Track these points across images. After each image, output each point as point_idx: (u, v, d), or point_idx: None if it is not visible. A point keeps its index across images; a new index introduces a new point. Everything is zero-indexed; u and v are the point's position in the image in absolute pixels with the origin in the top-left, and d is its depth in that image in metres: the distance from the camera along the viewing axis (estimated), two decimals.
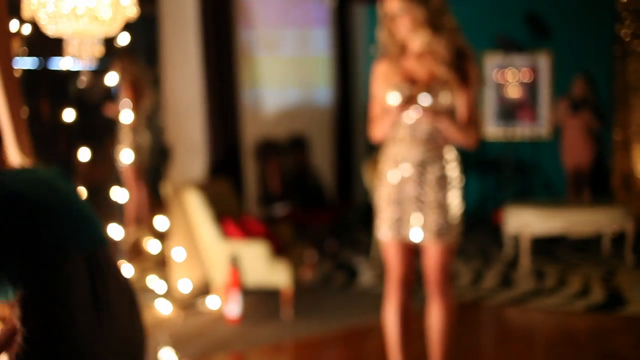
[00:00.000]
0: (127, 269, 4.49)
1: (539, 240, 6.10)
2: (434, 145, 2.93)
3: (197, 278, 4.80)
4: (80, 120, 4.14)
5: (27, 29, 2.80)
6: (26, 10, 2.28)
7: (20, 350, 0.81)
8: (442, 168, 2.94)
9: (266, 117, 6.70)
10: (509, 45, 7.25)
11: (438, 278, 2.98)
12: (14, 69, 1.95)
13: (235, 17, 5.72)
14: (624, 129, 7.15)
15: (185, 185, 4.73)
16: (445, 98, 2.89)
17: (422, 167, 2.92)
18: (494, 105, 7.66)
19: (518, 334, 4.37)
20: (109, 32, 2.38)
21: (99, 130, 5.04)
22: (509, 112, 7.63)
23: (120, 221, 4.52)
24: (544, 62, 7.52)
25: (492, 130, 7.66)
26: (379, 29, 2.98)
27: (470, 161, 6.70)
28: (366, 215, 6.72)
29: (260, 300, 4.78)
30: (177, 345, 3.87)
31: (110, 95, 5.06)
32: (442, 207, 2.92)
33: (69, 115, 4.08)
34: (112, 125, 4.99)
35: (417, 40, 2.91)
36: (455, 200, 2.97)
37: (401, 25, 2.89)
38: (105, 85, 4.55)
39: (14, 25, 2.54)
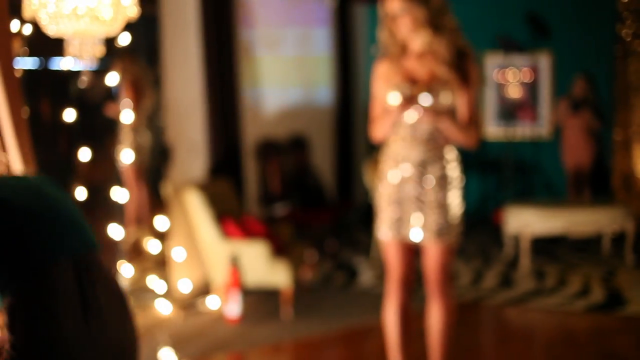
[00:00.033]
0: (127, 269, 4.50)
1: (539, 240, 6.10)
2: (434, 145, 2.93)
3: (197, 278, 4.80)
4: (81, 120, 4.14)
5: (28, 29, 2.80)
6: (27, 11, 2.28)
7: (9, 357, 0.81)
8: (443, 168, 2.94)
9: (266, 117, 6.70)
10: (510, 45, 7.25)
11: (438, 278, 2.99)
12: (14, 69, 1.95)
13: (236, 16, 5.72)
14: (624, 129, 7.15)
15: (185, 185, 4.74)
16: (446, 98, 2.89)
17: (422, 167, 2.93)
18: (495, 105, 7.66)
19: (518, 334, 4.37)
20: (110, 32, 2.38)
21: (100, 130, 5.04)
22: (509, 112, 7.63)
23: (121, 221, 4.52)
24: (544, 62, 7.52)
25: (493, 130, 7.66)
26: (380, 29, 2.98)
27: (470, 161, 6.70)
28: (366, 215, 6.72)
29: (260, 300, 4.79)
30: (177, 345, 3.88)
31: (111, 95, 5.06)
32: (443, 207, 2.92)
33: (69, 115, 4.08)
34: (112, 125, 4.99)
35: (417, 40, 2.91)
36: (455, 200, 2.97)
37: (402, 25, 2.89)
38: (106, 85, 4.55)
39: (14, 25, 2.54)
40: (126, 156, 4.56)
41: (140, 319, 4.38)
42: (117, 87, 4.95)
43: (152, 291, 4.45)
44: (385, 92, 2.93)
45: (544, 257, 5.96)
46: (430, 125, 2.91)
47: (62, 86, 4.55)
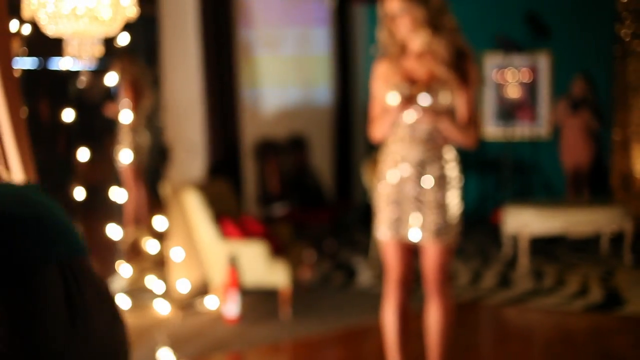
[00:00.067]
0: (125, 269, 4.49)
1: (538, 240, 6.11)
2: (433, 145, 2.93)
3: (196, 278, 4.80)
4: (80, 121, 4.14)
5: (27, 29, 2.80)
6: (26, 11, 2.28)
7: None
8: (442, 168, 2.94)
9: (265, 117, 6.70)
10: (509, 45, 7.25)
11: (437, 278, 2.99)
12: (13, 69, 1.95)
13: (235, 17, 5.72)
14: (623, 129, 7.15)
15: (184, 185, 4.74)
16: (445, 98, 2.89)
17: (421, 167, 2.93)
18: (494, 105, 7.66)
19: (517, 334, 4.38)
20: (109, 32, 2.38)
21: (99, 130, 5.04)
22: (508, 112, 7.63)
23: (119, 221, 4.52)
24: (543, 62, 7.53)
25: (492, 130, 7.67)
26: (379, 29, 2.98)
27: (469, 161, 6.70)
28: (365, 215, 6.72)
29: (258, 300, 4.79)
30: (176, 345, 3.87)
31: (110, 95, 5.06)
32: (441, 207, 2.93)
33: (68, 115, 4.08)
34: (111, 125, 4.99)
35: (417, 40, 2.91)
36: (454, 200, 2.97)
37: (401, 25, 2.89)
38: (105, 86, 4.55)
39: (13, 25, 2.54)
40: (125, 156, 4.56)
41: (139, 319, 4.38)
42: (116, 87, 4.95)
43: (150, 291, 4.45)
44: (385, 92, 2.93)
45: (542, 257, 5.97)
46: (429, 125, 2.91)
47: (61, 86, 4.54)
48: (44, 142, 4.62)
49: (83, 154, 4.27)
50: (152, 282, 4.43)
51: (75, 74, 4.51)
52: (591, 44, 7.38)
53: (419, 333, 3.34)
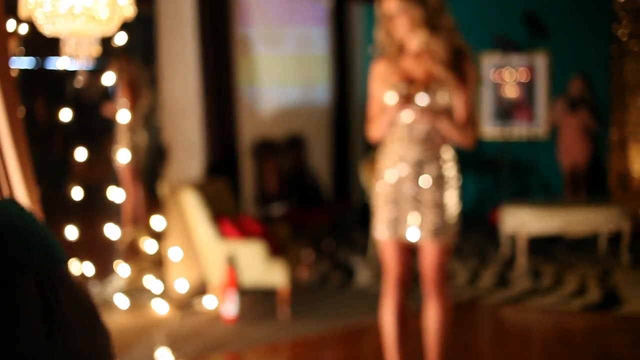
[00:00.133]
0: (123, 269, 4.49)
1: (536, 240, 6.11)
2: (431, 144, 2.93)
3: (194, 278, 4.79)
4: (77, 120, 4.13)
5: (24, 29, 2.79)
6: (23, 10, 2.27)
7: None
8: (440, 167, 2.94)
9: (263, 117, 6.70)
10: (507, 45, 7.26)
11: (435, 277, 2.99)
12: (10, 68, 1.94)
13: (232, 16, 5.72)
14: (620, 129, 7.16)
15: (182, 185, 4.73)
16: (443, 97, 2.89)
17: (419, 166, 2.93)
18: (491, 104, 7.67)
19: (514, 334, 4.38)
20: (106, 31, 2.38)
21: (96, 130, 5.03)
22: (506, 111, 7.64)
23: (117, 221, 4.52)
24: (541, 62, 7.53)
25: (489, 129, 7.67)
26: (377, 29, 2.98)
27: (467, 161, 6.70)
28: (363, 214, 6.72)
29: (257, 300, 4.78)
30: (174, 345, 3.87)
31: (107, 95, 5.05)
32: (439, 206, 2.93)
33: (66, 115, 4.07)
34: (109, 125, 4.98)
35: (414, 40, 2.91)
36: (452, 200, 2.97)
37: (399, 25, 2.89)
38: (103, 85, 4.55)
39: (10, 24, 2.53)
40: (123, 156, 4.55)
41: (137, 319, 4.38)
42: (114, 87, 4.95)
43: (148, 291, 4.45)
44: (383, 92, 2.93)
45: (540, 256, 5.97)
46: (427, 125, 2.91)
47: (58, 86, 4.54)
48: (41, 142, 4.61)
49: (81, 154, 4.26)
50: (150, 281, 4.42)
51: (73, 73, 4.50)
52: (589, 44, 7.39)
53: (417, 332, 3.34)
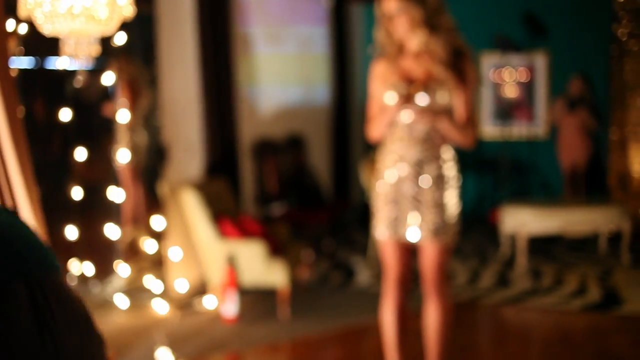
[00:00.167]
0: (123, 269, 4.49)
1: (536, 240, 6.11)
2: (431, 144, 2.93)
3: (194, 278, 4.79)
4: (77, 120, 4.13)
5: (23, 28, 2.79)
6: (22, 10, 2.27)
7: None
8: (439, 167, 2.94)
9: (263, 116, 6.70)
10: (506, 45, 7.26)
11: (435, 277, 2.99)
12: (10, 68, 1.94)
13: (232, 15, 5.72)
14: (620, 129, 7.16)
15: (182, 184, 4.73)
16: (443, 97, 2.89)
17: (419, 166, 2.93)
18: (491, 104, 7.66)
19: (515, 334, 4.38)
20: (106, 31, 2.38)
21: (96, 129, 5.03)
22: (506, 111, 7.64)
23: (117, 221, 4.52)
24: (541, 62, 7.53)
25: (489, 129, 7.67)
26: (377, 29, 2.98)
27: (467, 160, 6.70)
28: (363, 214, 6.72)
29: (257, 300, 4.78)
30: (174, 344, 3.87)
31: (107, 94, 5.05)
32: (439, 206, 2.93)
33: (65, 114, 4.07)
34: (109, 124, 4.98)
35: (414, 39, 2.91)
36: (452, 200, 2.97)
37: (399, 24, 2.89)
38: (102, 85, 4.55)
39: (10, 24, 2.53)
40: (122, 156, 4.55)
41: (137, 319, 4.38)
42: (113, 87, 4.95)
43: (149, 291, 4.45)
44: (382, 92, 2.93)
45: (540, 256, 5.97)
46: (426, 124, 2.91)
47: (58, 86, 4.54)
48: (41, 141, 4.61)
49: (80, 154, 4.26)
50: (151, 281, 4.42)
51: (72, 73, 4.50)
52: (588, 44, 7.39)
53: (417, 332, 3.34)
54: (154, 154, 5.27)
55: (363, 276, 5.42)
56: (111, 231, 4.32)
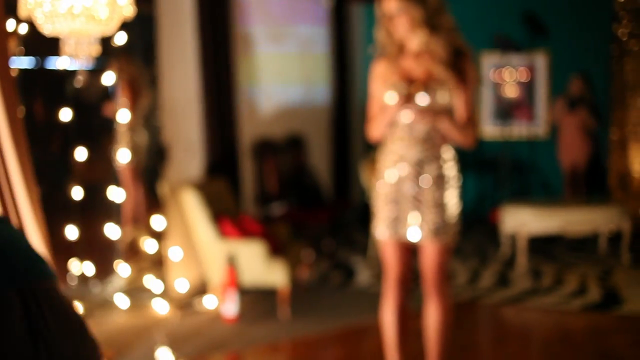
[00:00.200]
0: (123, 269, 4.49)
1: (536, 240, 6.11)
2: (431, 144, 2.93)
3: (194, 277, 4.80)
4: (78, 120, 4.13)
5: (23, 28, 2.79)
6: (23, 10, 2.27)
7: None
8: (440, 167, 2.94)
9: (263, 116, 6.70)
10: (507, 45, 7.26)
11: (435, 277, 2.99)
12: (10, 68, 1.94)
13: (232, 15, 5.72)
14: (620, 128, 7.16)
15: (182, 184, 4.73)
16: (443, 97, 2.89)
17: (419, 166, 2.93)
18: (491, 104, 7.66)
19: (515, 333, 4.38)
20: (106, 31, 2.38)
21: (96, 129, 5.04)
22: (506, 111, 7.64)
23: (118, 220, 4.52)
24: (541, 62, 7.53)
25: (489, 129, 7.67)
26: (377, 29, 2.98)
27: (467, 160, 6.70)
28: (363, 214, 6.72)
29: (257, 300, 4.78)
30: (174, 344, 3.87)
31: (107, 94, 5.05)
32: (440, 206, 2.93)
33: (66, 114, 4.07)
34: (109, 124, 4.98)
35: (414, 39, 2.91)
36: (452, 200, 2.97)
37: (399, 25, 2.89)
38: (103, 85, 4.55)
39: (10, 24, 2.53)
40: (123, 156, 4.56)
41: (137, 319, 4.38)
42: (114, 87, 4.95)
43: (149, 291, 4.45)
44: (383, 92, 2.93)
45: (540, 256, 5.97)
46: (427, 124, 2.91)
47: (58, 86, 4.54)
48: (41, 141, 4.61)
49: (81, 154, 4.26)
50: (151, 281, 4.42)
51: (73, 73, 4.50)
52: (589, 44, 7.39)
53: (417, 332, 3.34)
54: (154, 154, 5.27)
55: (363, 276, 5.42)
56: (111, 231, 4.32)
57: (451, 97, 2.91)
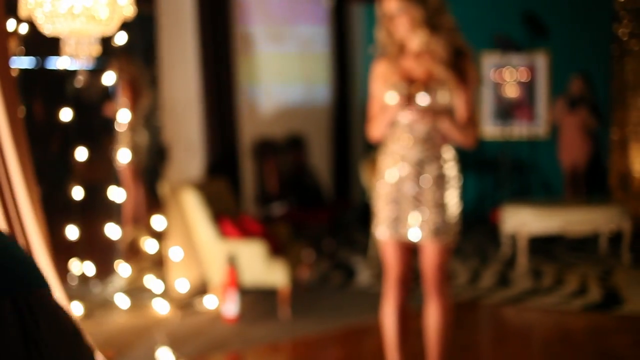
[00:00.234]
0: (124, 269, 4.49)
1: (536, 240, 6.11)
2: (432, 144, 2.93)
3: (195, 277, 4.80)
4: (78, 120, 4.14)
5: (24, 29, 2.79)
6: (23, 10, 2.27)
7: None
8: (440, 167, 2.94)
9: (263, 116, 6.70)
10: (507, 45, 7.26)
11: (435, 277, 2.99)
12: (11, 68, 1.94)
13: (233, 15, 5.72)
14: (621, 128, 7.16)
15: (182, 184, 4.73)
16: (444, 97, 2.89)
17: (420, 166, 2.93)
18: (492, 104, 7.66)
19: (515, 333, 4.38)
20: (106, 31, 2.38)
21: (97, 129, 5.04)
22: (506, 111, 7.64)
23: (118, 220, 4.52)
24: (541, 62, 7.53)
25: (490, 129, 7.67)
26: (378, 29, 2.98)
27: (467, 160, 6.70)
28: (364, 214, 6.72)
29: (257, 300, 4.78)
30: (175, 344, 3.87)
31: (107, 94, 5.06)
32: (440, 206, 2.93)
33: (66, 114, 4.07)
34: (109, 124, 4.99)
35: (415, 39, 2.91)
36: (453, 200, 2.97)
37: (399, 25, 2.89)
38: (103, 85, 4.55)
39: (10, 24, 2.53)
40: (123, 156, 4.56)
41: (138, 319, 4.38)
42: (114, 87, 4.95)
43: (149, 291, 4.45)
44: (383, 92, 2.93)
45: (541, 256, 5.97)
46: (427, 125, 2.91)
47: (58, 86, 4.54)
48: (42, 141, 4.61)
49: (81, 154, 4.27)
50: (151, 281, 4.43)
51: (73, 73, 4.50)
52: (589, 43, 7.38)
53: (418, 332, 3.34)
54: (154, 154, 5.27)
55: (363, 276, 5.42)
56: (112, 231, 4.32)
57: (452, 97, 2.90)
